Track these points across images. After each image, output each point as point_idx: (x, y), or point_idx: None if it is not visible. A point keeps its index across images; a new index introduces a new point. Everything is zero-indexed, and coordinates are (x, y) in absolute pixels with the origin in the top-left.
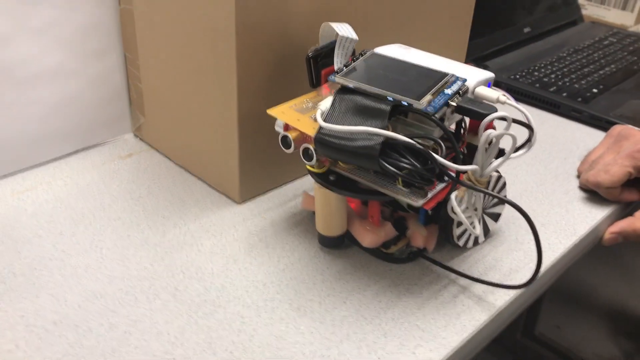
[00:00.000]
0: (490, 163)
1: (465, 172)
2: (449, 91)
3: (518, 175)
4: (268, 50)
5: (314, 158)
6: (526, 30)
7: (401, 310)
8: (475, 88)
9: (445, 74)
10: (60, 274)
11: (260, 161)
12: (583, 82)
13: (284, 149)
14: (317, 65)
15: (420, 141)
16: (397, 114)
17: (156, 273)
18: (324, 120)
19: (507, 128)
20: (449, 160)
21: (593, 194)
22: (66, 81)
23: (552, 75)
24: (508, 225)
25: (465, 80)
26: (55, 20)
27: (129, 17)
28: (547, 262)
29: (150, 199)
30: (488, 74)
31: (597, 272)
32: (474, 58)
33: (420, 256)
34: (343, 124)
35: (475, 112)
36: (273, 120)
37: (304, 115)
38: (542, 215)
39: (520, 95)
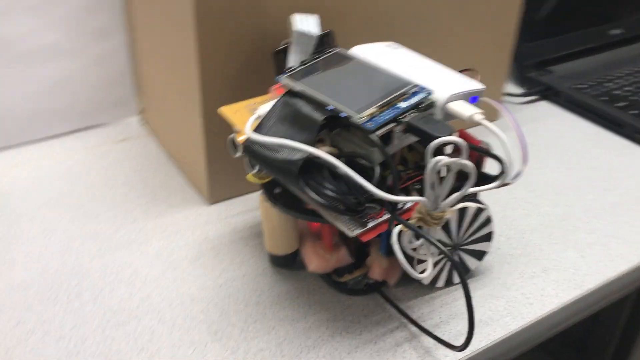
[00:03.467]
0: (448, 195)
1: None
2: (404, 104)
3: (538, 205)
4: (237, 42)
5: (257, 166)
6: (614, 32)
7: (328, 352)
8: (447, 102)
9: (406, 83)
10: None
11: (233, 162)
12: None
13: (231, 152)
14: (284, 61)
15: (362, 161)
16: (339, 127)
17: (89, 271)
18: (258, 126)
19: (464, 157)
20: (402, 187)
21: (626, 240)
22: (65, 60)
23: (627, 88)
24: (501, 266)
25: (430, 92)
26: None
27: None
28: (522, 322)
29: (123, 189)
30: (474, 87)
31: None
32: (538, 61)
33: (376, 290)
34: (275, 133)
35: (423, 132)
36: None
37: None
38: (548, 257)
39: (579, 108)
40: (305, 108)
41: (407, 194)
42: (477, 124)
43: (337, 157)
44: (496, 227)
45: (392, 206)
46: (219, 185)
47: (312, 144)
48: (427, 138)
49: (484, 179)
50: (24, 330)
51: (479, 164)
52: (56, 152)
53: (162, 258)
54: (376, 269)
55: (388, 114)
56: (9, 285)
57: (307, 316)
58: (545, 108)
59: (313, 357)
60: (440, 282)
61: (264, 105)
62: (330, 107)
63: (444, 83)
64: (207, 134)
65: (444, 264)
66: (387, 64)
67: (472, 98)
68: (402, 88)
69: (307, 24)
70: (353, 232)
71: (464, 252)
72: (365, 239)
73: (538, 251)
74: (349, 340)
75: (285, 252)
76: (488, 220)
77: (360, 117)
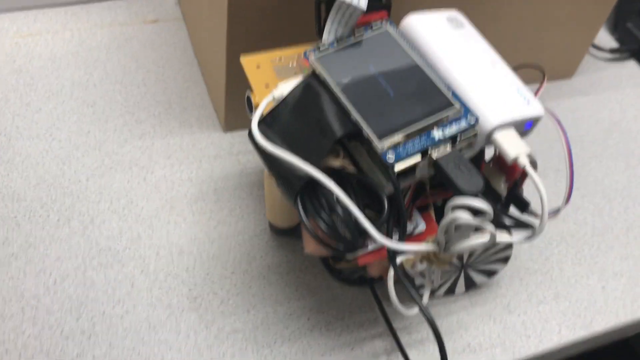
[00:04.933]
0: (459, 242)
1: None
2: (439, 134)
3: (578, 209)
4: None
5: None
6: None
7: (301, 349)
8: (496, 130)
9: (448, 104)
10: None
11: None
12: None
13: (247, 112)
14: (327, 15)
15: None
16: (358, 140)
17: (84, 192)
18: (272, 112)
19: (487, 220)
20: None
21: None
22: None
23: None
24: (511, 281)
25: (475, 120)
26: None
27: None
28: (511, 357)
29: (139, 90)
30: (530, 113)
31: None
32: None
33: (368, 284)
34: (288, 128)
35: (451, 181)
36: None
37: (281, 79)
38: (566, 280)
39: None
40: (327, 109)
41: (425, 210)
42: (522, 168)
43: (347, 176)
44: None
45: (392, 252)
46: (237, 114)
47: (322, 159)
48: (452, 188)
49: (519, 203)
50: (8, 253)
51: (517, 185)
52: (80, 23)
53: (161, 191)
54: (376, 264)
55: (415, 146)
56: (1, 194)
57: (291, 300)
58: (631, 71)
59: (285, 350)
60: (441, 291)
61: (283, 84)
62: (353, 118)
63: (494, 101)
64: (230, 57)
65: (449, 275)
66: (437, 54)
67: (527, 123)
68: (441, 110)
69: None
70: (349, 254)
71: (472, 270)
72: (362, 262)
73: (557, 270)
74: (326, 340)
75: (285, 225)
76: (509, 246)
77: (381, 144)
